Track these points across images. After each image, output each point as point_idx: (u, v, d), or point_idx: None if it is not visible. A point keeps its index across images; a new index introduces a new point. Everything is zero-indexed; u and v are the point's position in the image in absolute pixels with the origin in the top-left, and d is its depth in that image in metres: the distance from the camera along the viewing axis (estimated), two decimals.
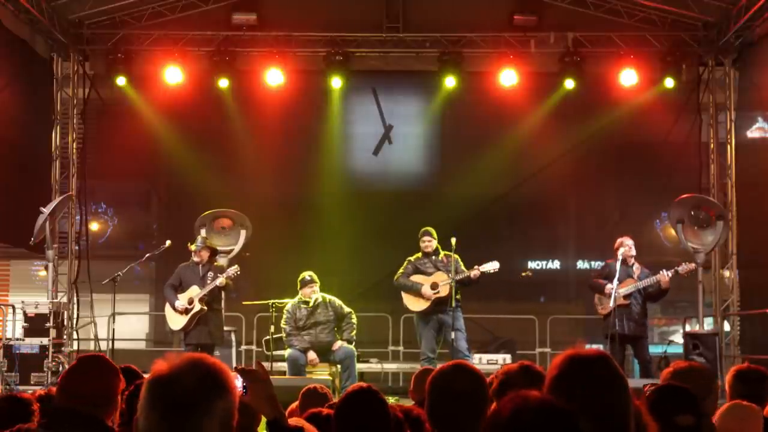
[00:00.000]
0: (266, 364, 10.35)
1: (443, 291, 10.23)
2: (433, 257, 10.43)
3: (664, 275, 10.06)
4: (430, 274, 10.39)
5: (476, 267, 10.25)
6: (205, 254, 10.35)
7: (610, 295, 10.08)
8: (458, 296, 10.35)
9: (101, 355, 3.78)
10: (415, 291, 10.37)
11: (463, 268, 10.37)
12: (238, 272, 10.33)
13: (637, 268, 10.30)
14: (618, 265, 10.08)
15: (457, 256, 10.41)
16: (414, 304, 10.47)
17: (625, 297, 10.14)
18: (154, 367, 2.06)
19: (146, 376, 2.13)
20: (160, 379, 2.04)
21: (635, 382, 8.58)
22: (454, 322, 10.24)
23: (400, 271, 10.54)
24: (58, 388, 3.63)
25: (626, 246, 10.26)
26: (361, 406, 3.37)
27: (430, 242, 10.43)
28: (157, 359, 2.08)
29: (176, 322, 10.30)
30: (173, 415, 2.00)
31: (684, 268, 10.31)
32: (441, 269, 10.32)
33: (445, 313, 10.23)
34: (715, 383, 4.09)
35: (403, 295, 10.52)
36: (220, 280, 10.11)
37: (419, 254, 10.52)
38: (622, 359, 10.33)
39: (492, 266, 10.26)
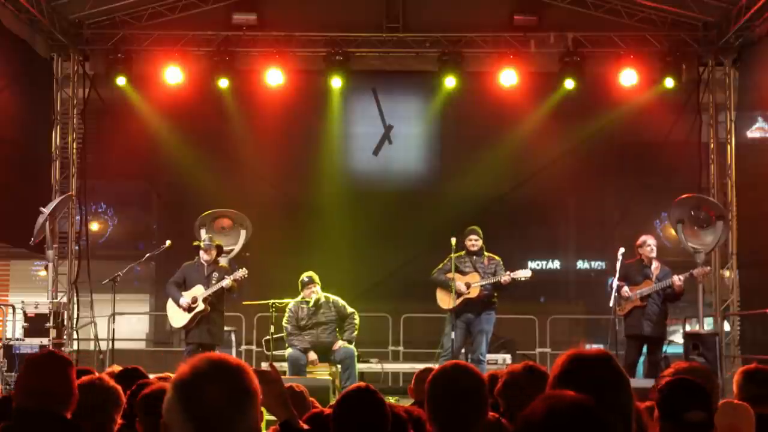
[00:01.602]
0: (266, 365, 10.35)
1: (473, 292, 10.21)
2: (475, 257, 10.39)
3: (677, 279, 10.08)
4: (466, 274, 10.36)
5: (507, 273, 10.22)
6: (214, 253, 10.35)
7: (626, 297, 10.12)
8: (495, 299, 10.36)
9: (52, 350, 3.80)
10: (447, 287, 10.34)
11: (502, 272, 10.30)
12: (246, 275, 10.27)
13: (656, 268, 10.29)
14: (618, 265, 10.12)
15: (499, 259, 10.39)
16: (444, 302, 10.45)
17: (642, 298, 10.15)
18: (178, 371, 2.02)
19: (152, 377, 2.10)
20: (189, 388, 1.99)
21: (639, 382, 8.59)
22: (483, 324, 10.24)
23: (439, 266, 10.51)
24: (15, 389, 3.64)
25: (648, 246, 10.28)
26: (359, 406, 3.37)
27: (476, 241, 10.38)
28: (181, 363, 2.04)
29: (178, 319, 10.28)
30: (206, 426, 1.96)
31: (698, 271, 10.38)
32: (479, 270, 10.30)
33: (470, 314, 10.22)
34: (716, 383, 4.09)
35: (437, 291, 10.51)
36: (227, 282, 10.07)
37: (462, 252, 10.47)
38: (636, 360, 10.32)
39: (524, 273, 10.23)
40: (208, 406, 1.96)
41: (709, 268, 10.61)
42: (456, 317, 10.33)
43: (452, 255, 10.43)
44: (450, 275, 10.35)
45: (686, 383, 3.45)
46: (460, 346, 10.32)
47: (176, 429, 1.98)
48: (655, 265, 10.31)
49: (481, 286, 10.21)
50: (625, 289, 10.18)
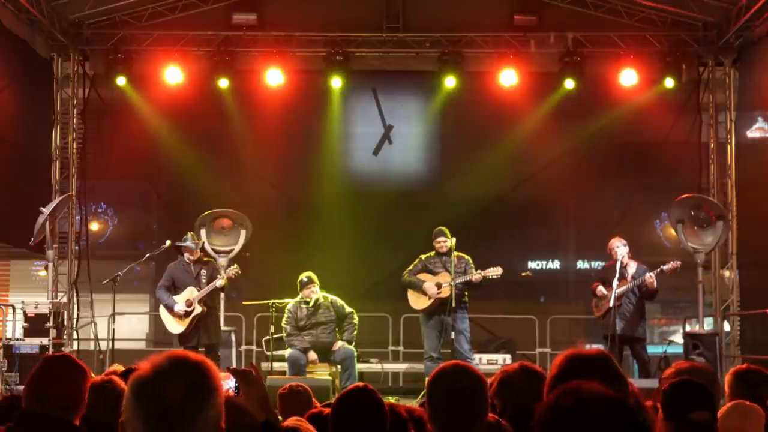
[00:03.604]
0: (266, 364, 10.36)
1: (444, 292, 10.23)
2: (445, 257, 10.41)
3: (649, 276, 10.15)
4: (436, 274, 10.39)
5: (479, 271, 10.26)
6: (198, 252, 10.35)
7: (603, 297, 10.22)
8: (465, 298, 10.37)
9: (67, 355, 3.73)
10: (418, 288, 10.37)
11: (472, 270, 10.36)
12: (239, 272, 10.28)
13: (633, 267, 10.35)
14: (618, 266, 10.18)
15: (468, 258, 10.42)
16: (416, 302, 10.51)
17: (618, 297, 10.20)
18: (138, 368, 1.98)
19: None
20: (145, 384, 1.94)
21: (634, 382, 8.59)
22: (458, 323, 10.26)
23: (409, 267, 10.56)
24: (25, 390, 3.58)
25: (613, 250, 10.36)
26: (358, 406, 3.37)
27: (444, 242, 10.42)
28: (141, 360, 2.00)
29: (175, 326, 10.26)
30: (161, 424, 1.91)
31: (669, 266, 10.37)
32: (448, 270, 10.33)
33: (447, 314, 10.24)
34: (718, 383, 4.09)
35: (408, 292, 10.53)
36: (220, 282, 10.06)
37: (432, 253, 10.52)
38: (619, 360, 10.34)
39: (494, 272, 10.27)
40: (166, 403, 1.91)
41: (679, 262, 10.56)
42: (429, 318, 10.36)
43: (422, 256, 10.52)
44: (422, 276, 10.41)
45: (690, 384, 3.46)
46: (437, 347, 10.35)
47: (133, 427, 1.93)
48: (632, 265, 10.37)
49: (452, 285, 10.22)
50: (600, 288, 10.31)
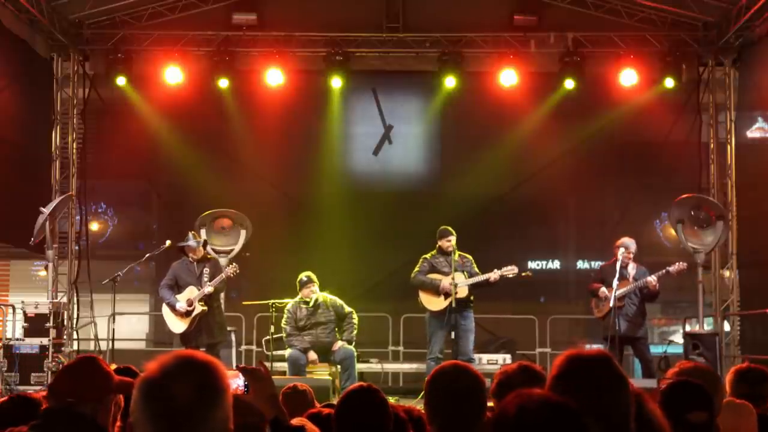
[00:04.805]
0: (266, 364, 10.36)
1: (461, 292, 10.21)
2: (449, 257, 10.39)
3: (651, 279, 10.14)
4: (446, 274, 10.34)
5: (495, 270, 10.23)
6: (201, 251, 10.35)
7: (604, 299, 10.20)
8: (472, 297, 10.37)
9: (95, 356, 3.77)
10: (434, 288, 10.32)
11: (476, 269, 10.36)
12: (237, 271, 10.29)
13: (632, 268, 10.35)
14: (618, 266, 10.16)
15: (470, 257, 10.40)
16: (432, 304, 10.40)
17: (620, 299, 10.19)
18: (146, 369, 1.99)
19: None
20: (153, 385, 1.96)
21: (636, 382, 8.60)
22: (467, 323, 10.25)
23: (416, 269, 10.49)
24: (50, 388, 3.62)
25: (623, 248, 10.31)
26: (362, 406, 3.37)
27: (452, 241, 10.38)
28: (149, 361, 2.01)
29: (177, 325, 10.25)
30: (169, 424, 1.93)
31: (675, 267, 10.35)
32: (458, 270, 10.29)
33: (458, 314, 10.23)
34: (721, 383, 4.09)
35: (420, 293, 10.46)
36: (208, 290, 10.04)
37: (434, 252, 10.48)
38: (619, 360, 10.34)
39: (511, 270, 10.25)
40: (175, 404, 1.93)
41: (686, 264, 10.54)
42: (440, 319, 10.32)
43: (426, 255, 10.48)
44: (434, 276, 10.36)
45: (688, 384, 3.46)
46: (442, 347, 10.35)
47: (142, 428, 1.95)
48: (632, 265, 10.36)
49: (466, 285, 10.20)
50: (603, 290, 10.30)
